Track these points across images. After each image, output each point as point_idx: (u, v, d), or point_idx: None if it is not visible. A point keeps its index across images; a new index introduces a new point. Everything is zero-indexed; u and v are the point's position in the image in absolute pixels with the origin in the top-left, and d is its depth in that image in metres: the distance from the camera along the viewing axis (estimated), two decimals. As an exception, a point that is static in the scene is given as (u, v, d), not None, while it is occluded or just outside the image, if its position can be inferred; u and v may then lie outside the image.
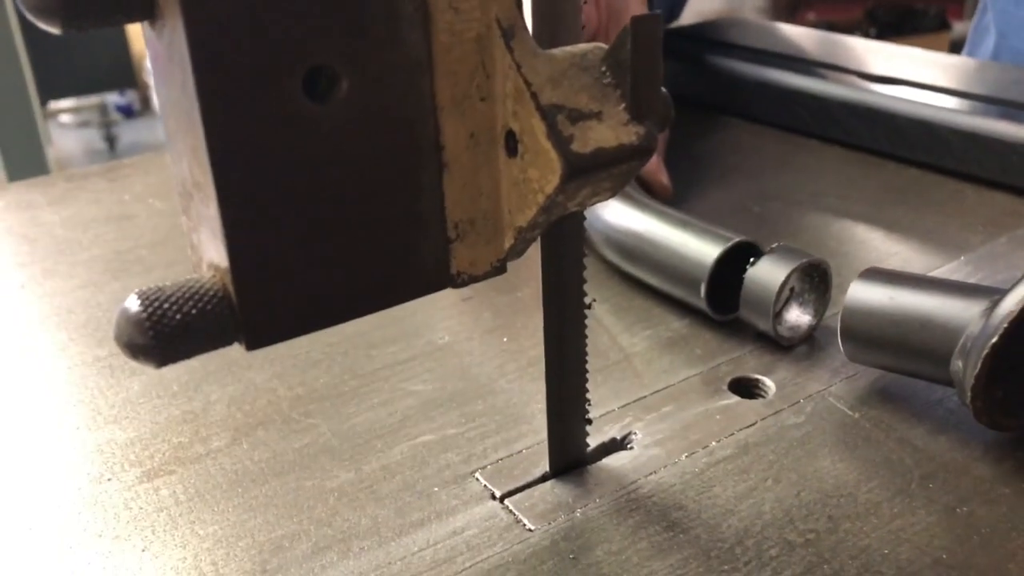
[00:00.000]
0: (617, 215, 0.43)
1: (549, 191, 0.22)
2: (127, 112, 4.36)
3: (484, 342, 0.40)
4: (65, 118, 4.35)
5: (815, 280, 0.38)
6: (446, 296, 0.44)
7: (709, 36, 0.69)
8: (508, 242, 0.24)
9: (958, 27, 3.18)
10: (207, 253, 0.22)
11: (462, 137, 0.23)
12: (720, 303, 0.39)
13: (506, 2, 0.23)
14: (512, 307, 0.42)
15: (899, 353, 0.33)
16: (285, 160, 0.21)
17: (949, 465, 0.31)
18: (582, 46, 0.24)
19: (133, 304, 0.21)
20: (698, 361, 0.37)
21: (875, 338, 0.33)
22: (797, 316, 0.38)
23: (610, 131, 0.23)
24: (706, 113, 0.67)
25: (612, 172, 0.23)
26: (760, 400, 0.35)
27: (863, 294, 0.34)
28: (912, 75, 0.57)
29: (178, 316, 0.21)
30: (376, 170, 0.22)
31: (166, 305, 0.21)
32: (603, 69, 0.23)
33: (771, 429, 0.33)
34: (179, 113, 0.21)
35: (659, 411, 0.34)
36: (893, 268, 0.35)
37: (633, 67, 0.23)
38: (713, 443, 0.32)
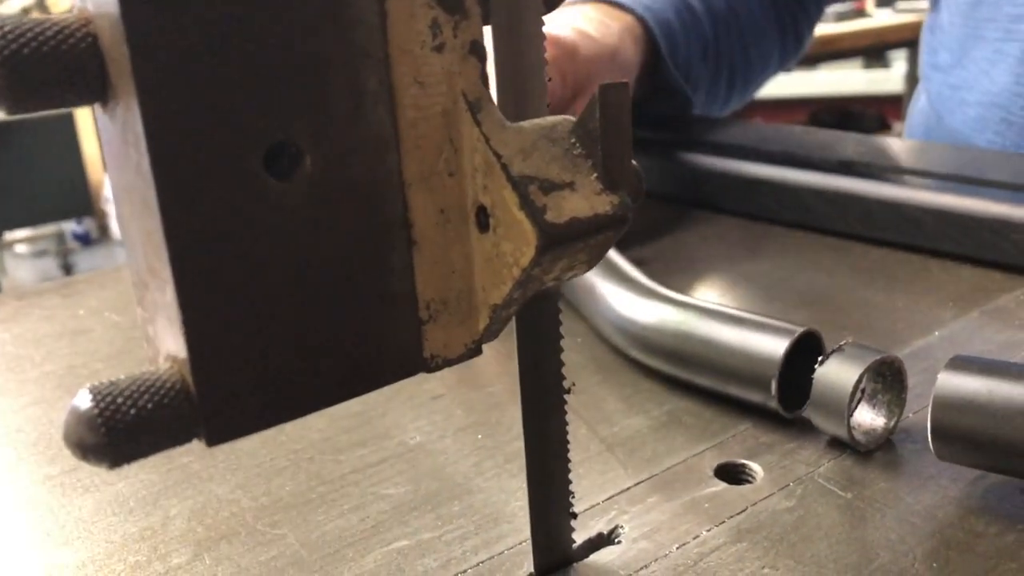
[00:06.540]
0: (645, 311, 0.41)
1: (524, 264, 0.21)
2: (84, 240, 4.34)
3: (458, 440, 0.38)
4: (21, 248, 4.32)
5: (888, 379, 0.35)
6: (416, 395, 0.42)
7: (674, 131, 0.71)
8: (483, 322, 0.23)
9: (897, 126, 3.31)
10: (164, 344, 0.21)
11: (431, 213, 0.22)
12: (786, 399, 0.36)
13: (471, 76, 0.22)
14: (485, 403, 0.41)
15: (1005, 451, 0.29)
16: (246, 241, 0.20)
17: (951, 542, 0.29)
18: (551, 118, 0.23)
19: (84, 400, 0.19)
20: (680, 449, 0.36)
21: (974, 435, 0.30)
22: (872, 419, 0.35)
23: (584, 201, 0.22)
24: (670, 206, 0.67)
25: (588, 243, 0.22)
26: (748, 485, 0.34)
27: (954, 386, 0.30)
28: (874, 159, 0.58)
29: (132, 411, 0.19)
30: (343, 249, 0.21)
31: (119, 400, 0.19)
32: (573, 140, 0.23)
33: (763, 515, 0.32)
34: (133, 197, 0.20)
35: (645, 502, 0.33)
36: (980, 355, 0.31)
37: (603, 136, 0.22)
38: (704, 532, 0.31)
